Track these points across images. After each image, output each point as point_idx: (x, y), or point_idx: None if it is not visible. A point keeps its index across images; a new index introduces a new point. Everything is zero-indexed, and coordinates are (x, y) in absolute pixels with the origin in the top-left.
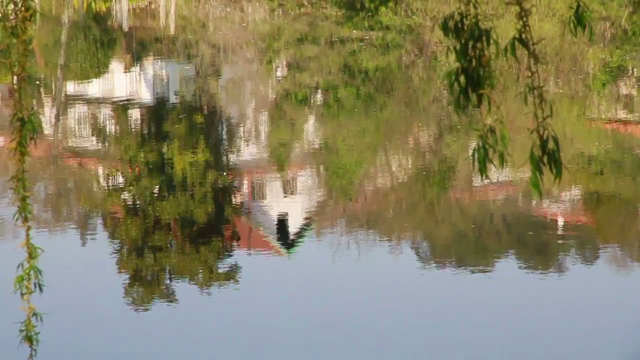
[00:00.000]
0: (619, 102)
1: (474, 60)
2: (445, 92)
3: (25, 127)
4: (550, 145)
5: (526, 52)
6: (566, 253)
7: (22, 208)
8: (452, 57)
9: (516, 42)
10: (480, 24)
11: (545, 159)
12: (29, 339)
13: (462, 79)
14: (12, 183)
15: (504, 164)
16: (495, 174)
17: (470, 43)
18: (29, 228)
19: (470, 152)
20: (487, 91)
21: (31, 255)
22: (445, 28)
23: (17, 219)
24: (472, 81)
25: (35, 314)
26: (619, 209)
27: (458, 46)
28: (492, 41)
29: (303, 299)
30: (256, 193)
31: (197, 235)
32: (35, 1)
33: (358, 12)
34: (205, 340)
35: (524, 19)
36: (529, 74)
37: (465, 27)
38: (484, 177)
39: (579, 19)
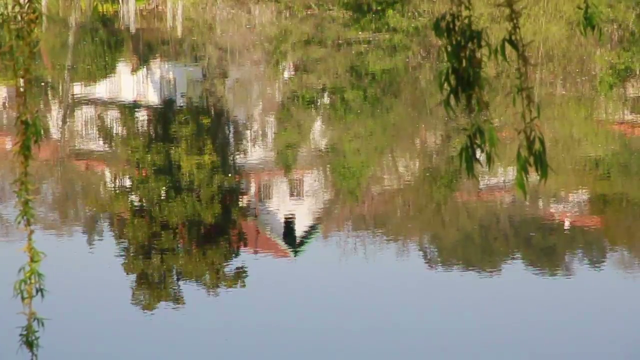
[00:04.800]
0: (626, 104)
1: (464, 61)
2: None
3: (29, 130)
4: (537, 146)
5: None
6: (573, 255)
7: (25, 211)
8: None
9: (506, 44)
10: (472, 25)
11: (531, 159)
12: (30, 343)
13: (452, 79)
14: (15, 186)
15: (491, 164)
16: (502, 176)
17: (462, 44)
18: (31, 232)
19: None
20: (477, 92)
21: (33, 259)
22: (437, 29)
23: (19, 223)
24: (462, 82)
25: (36, 319)
26: (626, 211)
27: (449, 47)
28: (483, 42)
29: (310, 301)
30: (263, 195)
31: (204, 237)
32: (41, 3)
33: (365, 14)
34: (212, 342)
35: (515, 21)
36: (519, 75)
37: (457, 28)
38: (470, 177)
39: (589, 20)
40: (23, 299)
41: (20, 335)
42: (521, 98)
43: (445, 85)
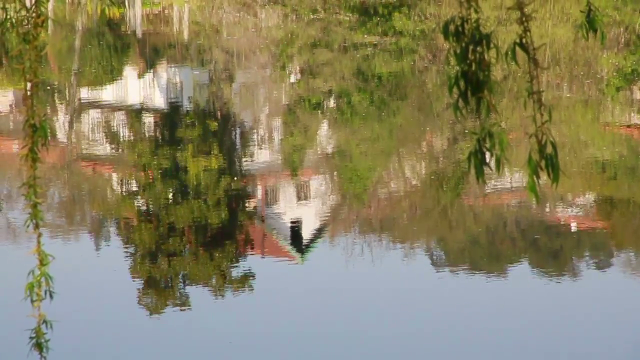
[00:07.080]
0: (633, 107)
1: (473, 64)
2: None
3: (37, 134)
4: (549, 150)
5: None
6: (580, 258)
7: (34, 215)
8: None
9: (517, 47)
10: (481, 28)
11: (543, 163)
12: (39, 346)
13: (461, 82)
14: (23, 189)
15: (501, 168)
16: (509, 179)
17: (471, 47)
18: (40, 235)
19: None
20: (486, 95)
21: (42, 262)
22: (445, 32)
23: (28, 226)
24: (471, 85)
25: (45, 321)
26: (633, 213)
27: (458, 50)
28: (492, 45)
29: (317, 305)
30: (270, 198)
31: (210, 240)
32: (47, 7)
33: (371, 17)
34: (218, 346)
35: (525, 24)
36: (529, 79)
37: (466, 32)
38: (480, 182)
39: (591, 23)
40: (33, 301)
41: (30, 337)
42: (532, 102)
43: (455, 89)
